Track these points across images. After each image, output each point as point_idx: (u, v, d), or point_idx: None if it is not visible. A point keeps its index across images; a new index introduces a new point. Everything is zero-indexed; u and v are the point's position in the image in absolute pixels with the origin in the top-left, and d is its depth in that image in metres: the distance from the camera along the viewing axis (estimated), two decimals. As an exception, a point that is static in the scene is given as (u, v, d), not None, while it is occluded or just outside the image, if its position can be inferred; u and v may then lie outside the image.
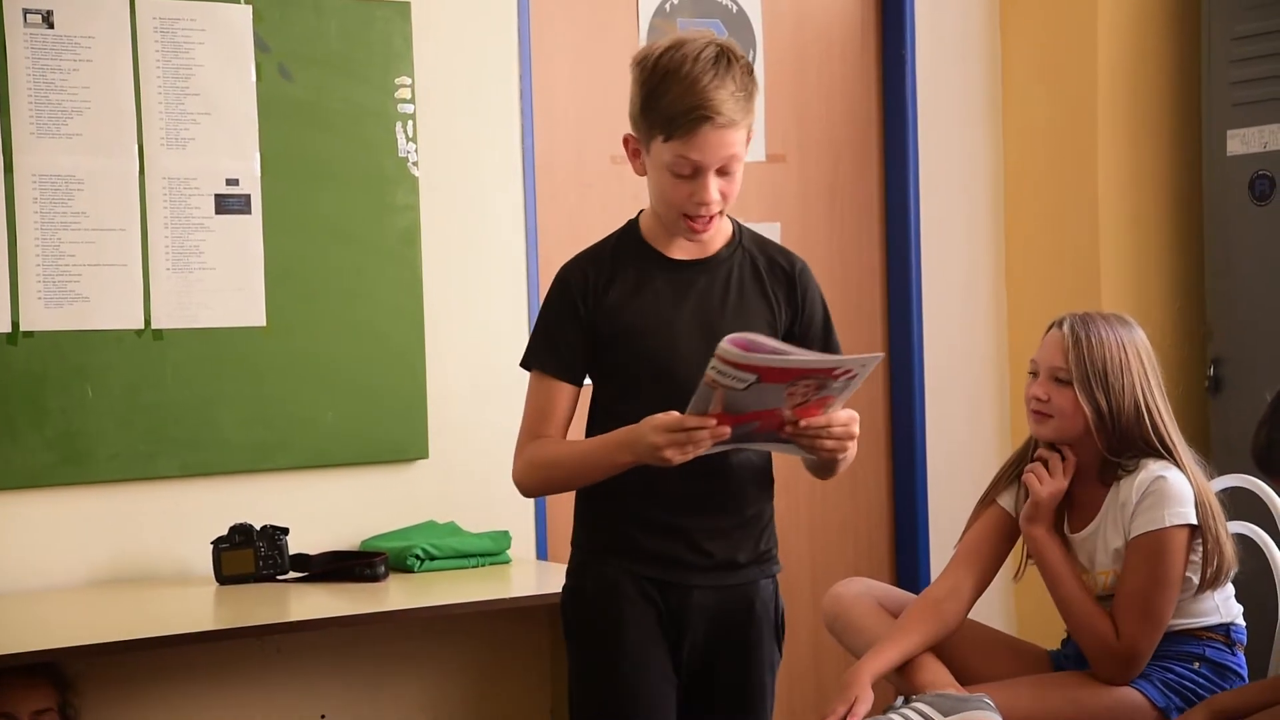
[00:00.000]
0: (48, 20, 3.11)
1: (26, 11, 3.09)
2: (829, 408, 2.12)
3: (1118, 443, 2.71)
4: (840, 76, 4.11)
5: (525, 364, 2.31)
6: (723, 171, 2.18)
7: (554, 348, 2.28)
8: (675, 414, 2.07)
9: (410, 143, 3.43)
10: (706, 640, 2.29)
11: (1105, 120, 3.98)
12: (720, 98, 2.14)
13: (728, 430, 2.07)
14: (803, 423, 2.11)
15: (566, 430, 2.30)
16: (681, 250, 2.28)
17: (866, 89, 4.14)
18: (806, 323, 2.31)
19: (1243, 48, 3.83)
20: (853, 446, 2.18)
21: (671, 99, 2.15)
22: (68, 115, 3.12)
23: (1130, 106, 4.01)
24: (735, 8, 3.93)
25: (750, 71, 2.20)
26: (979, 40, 4.16)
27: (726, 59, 2.17)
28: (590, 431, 2.30)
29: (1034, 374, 2.78)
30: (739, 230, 2.32)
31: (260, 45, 3.29)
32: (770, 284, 2.29)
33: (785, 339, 2.24)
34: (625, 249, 2.31)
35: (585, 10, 3.77)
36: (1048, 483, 2.70)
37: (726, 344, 1.98)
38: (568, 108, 3.74)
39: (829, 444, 2.14)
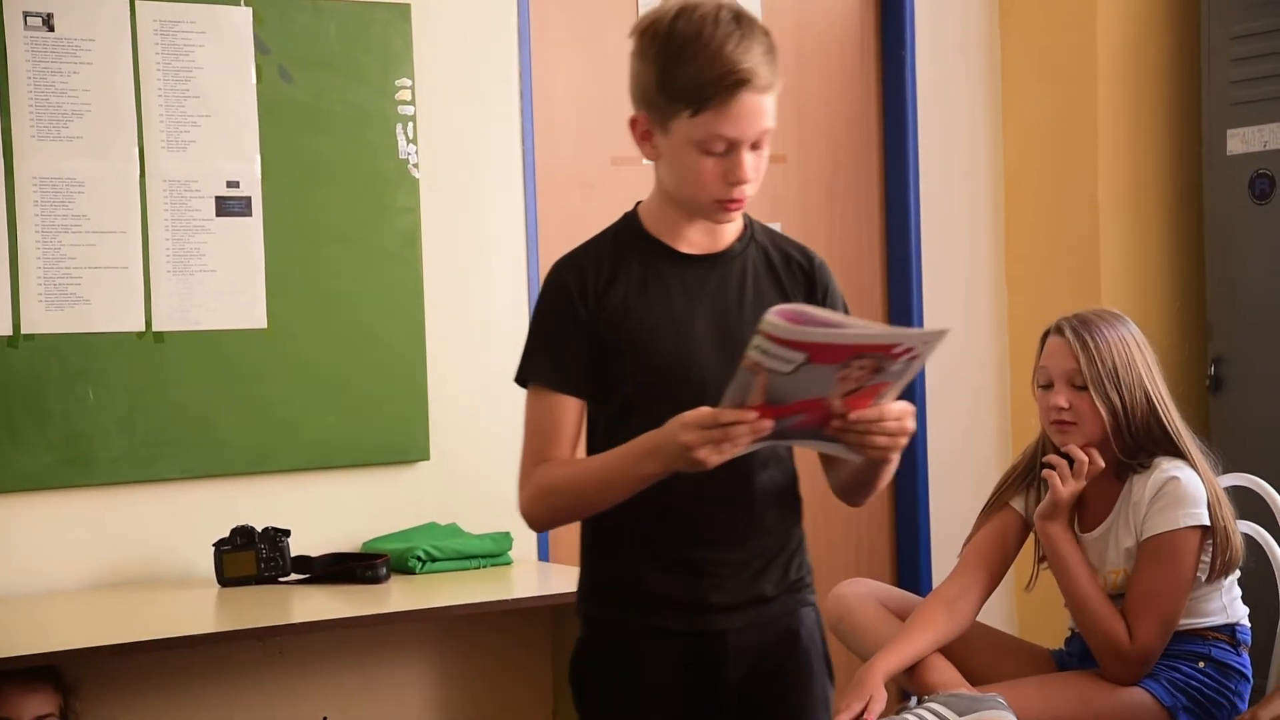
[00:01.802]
0: (48, 23, 3.11)
1: (27, 14, 3.09)
2: (881, 397, 1.82)
3: (1133, 442, 2.71)
4: (840, 77, 4.11)
5: (521, 379, 2.02)
6: (756, 145, 1.93)
7: (555, 357, 1.98)
8: (708, 409, 1.80)
9: (411, 144, 3.43)
10: (750, 680, 2.00)
11: (1105, 119, 3.98)
12: (753, 59, 1.89)
13: (770, 424, 1.79)
14: (853, 415, 1.82)
15: (575, 451, 2.01)
16: (690, 244, 2.02)
17: (866, 89, 4.14)
18: None
19: (1242, 46, 3.83)
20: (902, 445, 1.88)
21: (698, 66, 1.89)
22: (68, 118, 3.12)
23: (1130, 105, 4.01)
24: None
25: (769, 34, 1.95)
26: (978, 40, 4.16)
27: (747, 19, 1.93)
28: (591, 454, 2.01)
29: (1046, 386, 2.76)
30: (750, 222, 2.07)
31: (260, 47, 3.29)
32: (787, 281, 2.04)
33: None
34: (626, 243, 2.03)
35: (585, 12, 3.77)
36: (1070, 483, 2.69)
37: (774, 316, 1.70)
38: (568, 109, 3.74)
39: (881, 440, 1.84)
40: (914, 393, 4.06)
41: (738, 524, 1.99)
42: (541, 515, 1.99)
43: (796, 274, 2.04)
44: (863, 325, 1.76)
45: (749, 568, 2.00)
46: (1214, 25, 3.88)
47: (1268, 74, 3.78)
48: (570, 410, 1.98)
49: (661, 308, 1.99)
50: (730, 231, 2.03)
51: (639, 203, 2.07)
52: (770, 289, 2.02)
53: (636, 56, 1.96)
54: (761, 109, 1.91)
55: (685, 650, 1.98)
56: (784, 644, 2.02)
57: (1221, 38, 3.86)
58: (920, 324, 4.08)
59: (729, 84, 1.88)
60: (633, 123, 1.98)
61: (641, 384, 1.97)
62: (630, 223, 2.05)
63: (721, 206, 1.96)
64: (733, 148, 1.91)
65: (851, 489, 2.03)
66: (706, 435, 1.79)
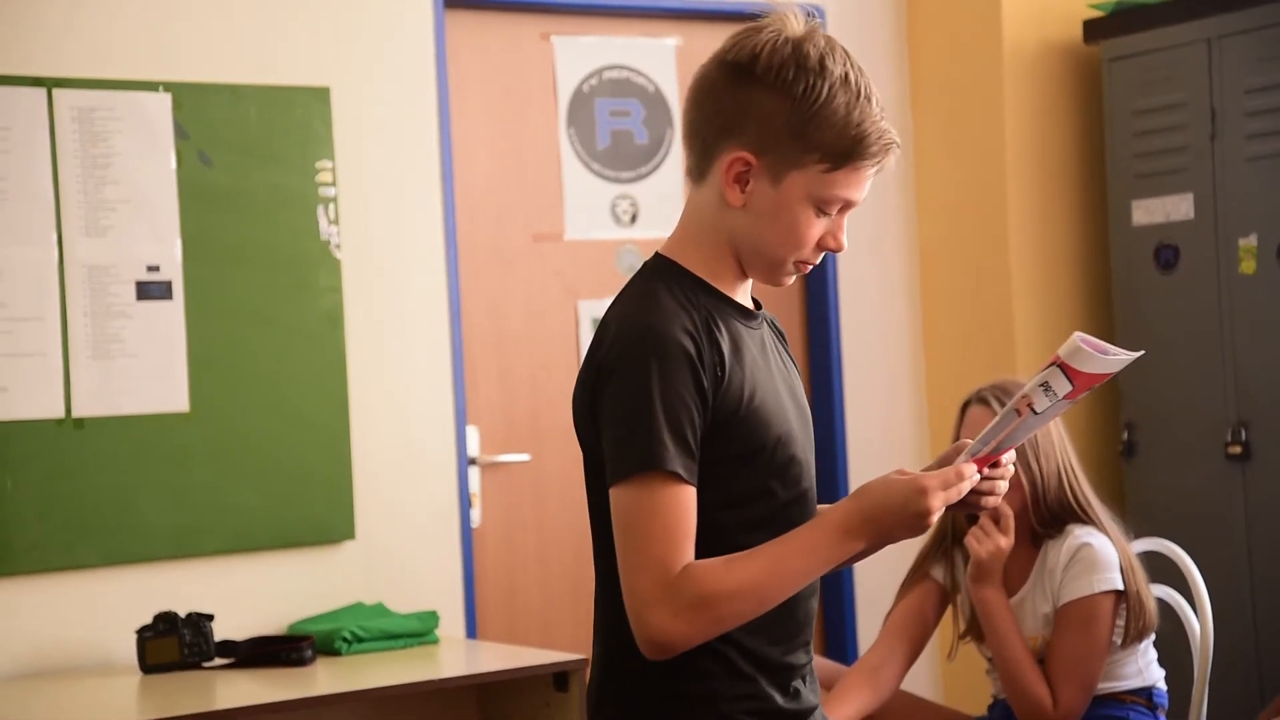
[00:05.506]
0: (-36, 111, 3.11)
1: (-57, 102, 3.09)
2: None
3: (1047, 512, 2.76)
4: (756, 154, 4.17)
5: (645, 466, 1.60)
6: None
7: (680, 438, 1.61)
8: (952, 468, 1.63)
9: (332, 225, 3.45)
10: None
11: (1014, 194, 4.07)
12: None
13: (979, 478, 1.65)
14: (1005, 460, 1.70)
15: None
16: (743, 299, 1.76)
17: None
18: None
19: (1144, 121, 3.94)
20: None
21: (855, 119, 1.67)
22: (-15, 205, 3.11)
23: (1038, 180, 4.11)
24: (653, 87, 4.00)
25: None
26: (890, 118, 4.24)
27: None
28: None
29: None
30: None
31: (179, 132, 3.30)
32: (783, 342, 1.84)
33: None
34: (691, 293, 1.69)
35: (504, 91, 3.82)
36: (986, 542, 2.72)
37: (1081, 342, 1.53)
38: (489, 186, 3.78)
39: (1001, 487, 1.71)
40: (835, 466, 4.11)
41: (814, 616, 1.75)
42: (702, 630, 1.61)
43: (779, 333, 1.84)
44: (1118, 350, 1.59)
45: (810, 668, 1.76)
46: (1116, 100, 4.00)
47: (1169, 147, 3.89)
48: (694, 503, 1.63)
49: (763, 376, 1.70)
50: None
51: (657, 253, 1.75)
52: (784, 351, 1.82)
53: (766, 89, 1.66)
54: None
55: None
56: None
57: (1124, 112, 3.98)
58: (842, 400, 4.12)
59: (884, 144, 1.70)
60: (730, 164, 1.68)
61: (762, 466, 1.68)
62: (672, 270, 1.71)
63: (796, 269, 1.73)
64: (842, 212, 1.72)
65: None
66: (947, 497, 1.61)
